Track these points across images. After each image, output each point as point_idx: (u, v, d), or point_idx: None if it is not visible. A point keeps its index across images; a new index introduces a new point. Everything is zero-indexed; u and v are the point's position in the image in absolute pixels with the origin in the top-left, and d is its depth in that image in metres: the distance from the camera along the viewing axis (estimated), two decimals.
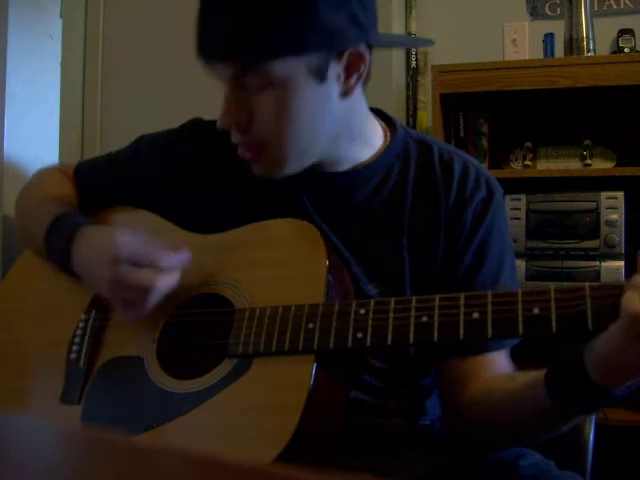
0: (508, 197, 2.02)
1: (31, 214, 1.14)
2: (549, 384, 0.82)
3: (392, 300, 0.84)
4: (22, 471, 0.41)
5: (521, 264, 1.99)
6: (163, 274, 0.91)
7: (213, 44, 0.90)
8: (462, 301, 0.80)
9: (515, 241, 2.00)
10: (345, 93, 0.94)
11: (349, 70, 0.93)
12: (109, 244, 0.94)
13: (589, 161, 2.13)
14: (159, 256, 0.92)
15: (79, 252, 1.00)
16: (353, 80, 0.94)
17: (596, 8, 2.25)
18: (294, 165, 0.96)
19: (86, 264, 0.99)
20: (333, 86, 0.93)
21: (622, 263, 1.93)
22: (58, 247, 1.02)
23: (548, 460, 0.97)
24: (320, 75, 0.91)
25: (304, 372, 0.83)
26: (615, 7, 2.27)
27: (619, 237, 1.94)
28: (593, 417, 1.13)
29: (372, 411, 0.98)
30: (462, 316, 0.79)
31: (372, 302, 0.85)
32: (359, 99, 0.99)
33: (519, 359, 0.99)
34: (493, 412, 0.92)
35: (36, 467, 0.42)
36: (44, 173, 1.22)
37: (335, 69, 0.92)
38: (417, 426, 1.02)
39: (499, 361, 0.97)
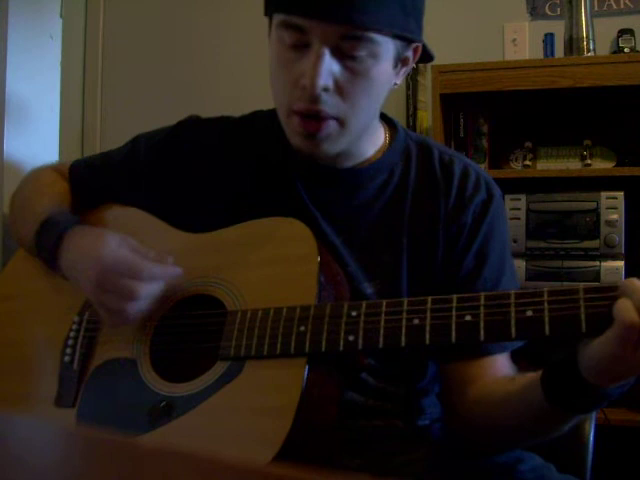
0: (508, 197, 2.02)
1: (23, 213, 1.13)
2: (545, 385, 0.82)
3: (384, 302, 0.83)
4: (22, 471, 0.41)
5: (521, 264, 1.99)
6: (146, 283, 0.91)
7: (341, 3, 0.86)
8: (454, 303, 0.79)
9: (515, 241, 2.00)
10: (395, 83, 0.98)
11: (404, 63, 0.97)
12: (95, 250, 0.94)
13: (589, 161, 2.13)
14: (143, 266, 0.91)
15: (66, 255, 1.00)
16: (402, 72, 0.99)
17: (596, 8, 2.25)
18: (347, 142, 0.96)
19: (72, 267, 0.99)
20: (394, 74, 0.97)
21: (622, 263, 1.93)
22: (47, 248, 1.02)
23: (548, 464, 0.97)
24: (397, 60, 0.95)
25: (296, 374, 0.82)
26: (615, 7, 2.27)
27: (619, 237, 1.94)
28: (593, 417, 1.13)
29: (371, 413, 0.98)
30: (454, 319, 0.78)
31: (364, 304, 0.84)
32: None
33: (518, 359, 0.99)
34: (494, 414, 0.93)
35: (36, 467, 0.42)
36: (38, 171, 1.21)
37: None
38: (416, 427, 1.02)
39: (501, 364, 0.97)
